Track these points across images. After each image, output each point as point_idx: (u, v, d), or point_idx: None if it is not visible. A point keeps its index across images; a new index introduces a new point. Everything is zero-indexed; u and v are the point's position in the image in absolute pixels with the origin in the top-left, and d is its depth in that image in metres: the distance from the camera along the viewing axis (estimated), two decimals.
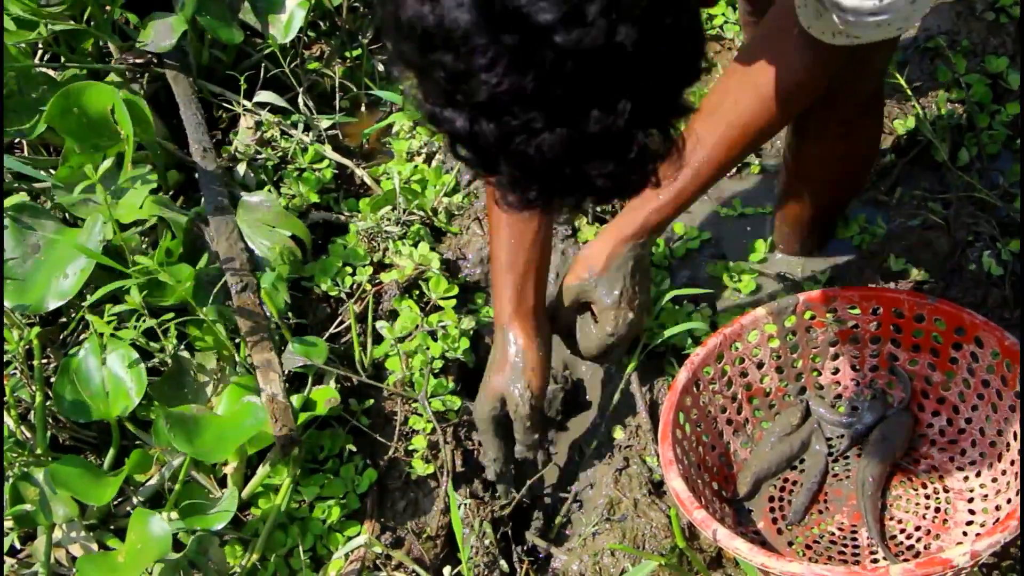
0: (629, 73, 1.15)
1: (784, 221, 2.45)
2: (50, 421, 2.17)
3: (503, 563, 2.09)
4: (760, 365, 2.13)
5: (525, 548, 2.13)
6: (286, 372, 2.17)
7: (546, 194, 1.25)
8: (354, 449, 2.22)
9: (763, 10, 1.99)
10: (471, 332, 2.35)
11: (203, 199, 2.44)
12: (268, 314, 2.23)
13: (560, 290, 2.09)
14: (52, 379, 2.14)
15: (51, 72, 2.51)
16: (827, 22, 1.66)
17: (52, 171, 2.40)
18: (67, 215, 2.36)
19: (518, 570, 2.10)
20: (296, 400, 2.16)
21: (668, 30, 1.16)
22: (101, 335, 2.11)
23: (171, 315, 2.15)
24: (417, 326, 2.33)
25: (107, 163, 2.15)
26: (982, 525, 1.92)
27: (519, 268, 2.03)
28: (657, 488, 2.12)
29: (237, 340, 2.24)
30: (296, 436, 2.09)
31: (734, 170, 2.61)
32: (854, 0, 1.51)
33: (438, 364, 2.29)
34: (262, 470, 2.15)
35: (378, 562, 2.10)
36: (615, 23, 1.11)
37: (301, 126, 2.68)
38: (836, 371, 2.16)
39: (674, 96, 1.23)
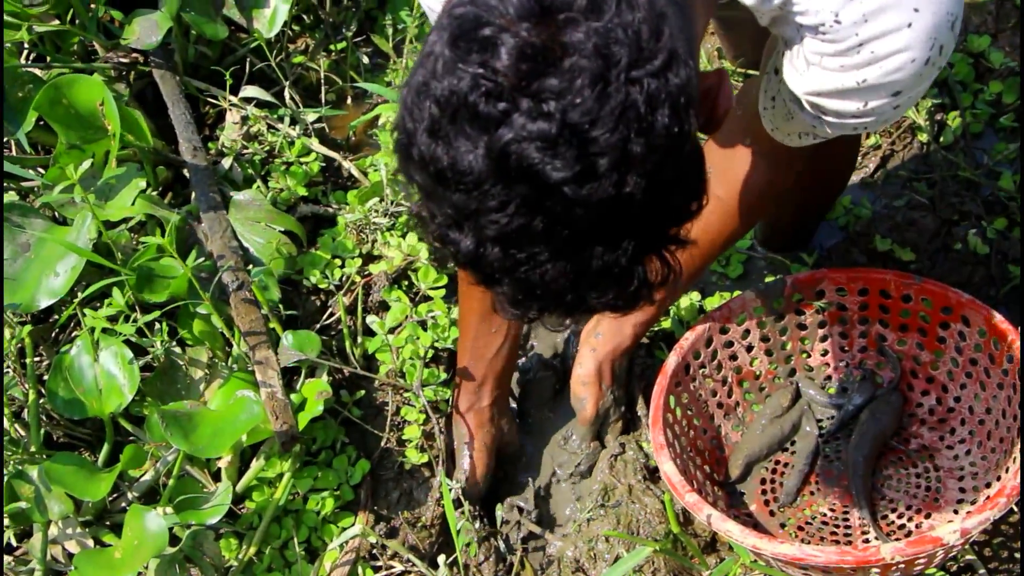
0: (634, 217, 1.17)
1: (766, 223, 2.46)
2: (44, 419, 2.17)
3: (498, 550, 2.10)
4: (749, 348, 2.14)
5: (520, 535, 2.14)
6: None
7: (545, 312, 1.27)
8: (347, 441, 2.23)
9: (746, 53, 1.98)
10: None
11: (194, 197, 2.44)
12: (264, 311, 2.24)
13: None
14: (45, 377, 2.14)
15: (37, 71, 2.51)
16: (797, 123, 1.66)
17: (42, 170, 2.40)
18: (56, 214, 2.36)
19: (513, 557, 2.11)
20: (296, 397, 2.16)
21: (674, 176, 1.18)
22: (93, 331, 2.11)
23: (160, 312, 2.16)
24: (407, 316, 2.34)
25: (87, 164, 2.15)
26: (973, 503, 1.93)
27: (477, 376, 2.15)
28: (652, 474, 2.13)
29: (229, 336, 2.24)
30: (296, 432, 2.10)
31: None
32: (838, 104, 1.50)
33: (429, 354, 2.30)
34: (256, 464, 2.16)
35: (374, 552, 2.11)
36: (624, 175, 1.13)
37: (287, 120, 2.68)
38: (825, 353, 2.17)
39: (676, 230, 1.25)
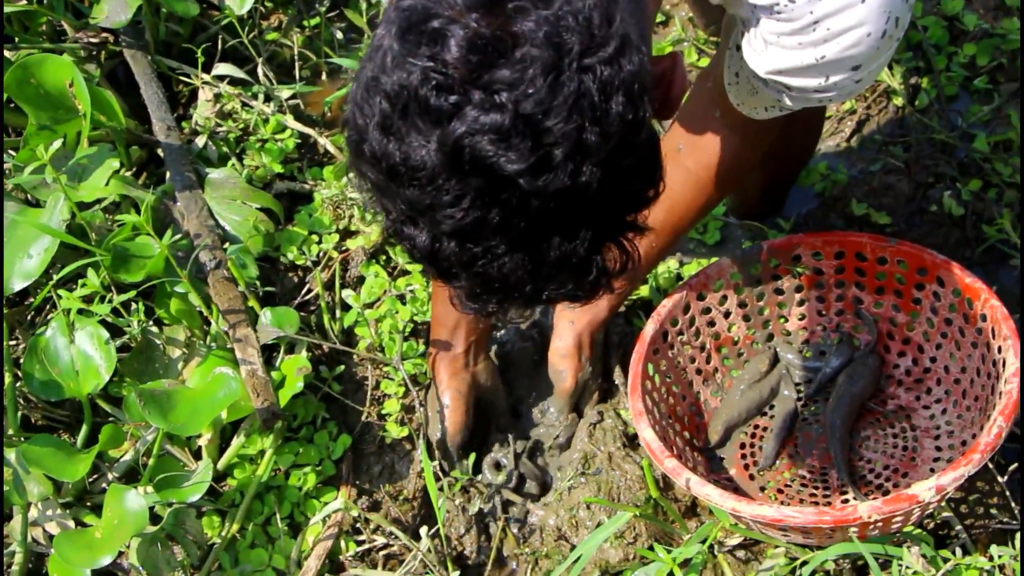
0: (591, 206, 1.16)
1: (736, 193, 2.46)
2: (21, 402, 2.16)
3: (480, 521, 2.10)
4: (727, 314, 2.15)
5: (502, 504, 2.14)
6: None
7: (504, 305, 1.27)
8: (327, 416, 2.23)
9: (717, 21, 1.96)
10: None
11: (168, 177, 2.43)
12: (242, 289, 2.23)
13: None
14: (21, 360, 2.14)
15: (5, 52, 2.49)
16: (762, 98, 1.66)
17: (12, 152, 2.38)
18: (28, 196, 2.35)
19: (495, 527, 2.11)
20: (275, 375, 2.16)
21: (630, 164, 1.18)
22: (68, 313, 2.10)
23: (136, 292, 2.15)
24: (385, 291, 2.34)
25: (57, 144, 2.13)
26: (948, 461, 1.94)
27: (449, 323, 2.09)
28: (631, 441, 2.13)
29: (207, 315, 2.24)
30: (278, 410, 2.10)
31: None
32: (800, 80, 1.51)
33: (408, 328, 2.30)
34: (237, 441, 2.15)
35: (356, 525, 2.11)
36: (580, 164, 1.12)
37: (261, 97, 2.66)
38: (802, 317, 2.18)
39: (633, 217, 1.25)
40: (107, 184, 2.29)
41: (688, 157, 1.91)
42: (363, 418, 2.21)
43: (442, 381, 2.12)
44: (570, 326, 2.12)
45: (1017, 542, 1.75)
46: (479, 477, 2.15)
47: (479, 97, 1.10)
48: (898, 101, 2.53)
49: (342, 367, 2.27)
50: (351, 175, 1.28)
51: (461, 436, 2.14)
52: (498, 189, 1.13)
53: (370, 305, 2.33)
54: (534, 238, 1.17)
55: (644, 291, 2.31)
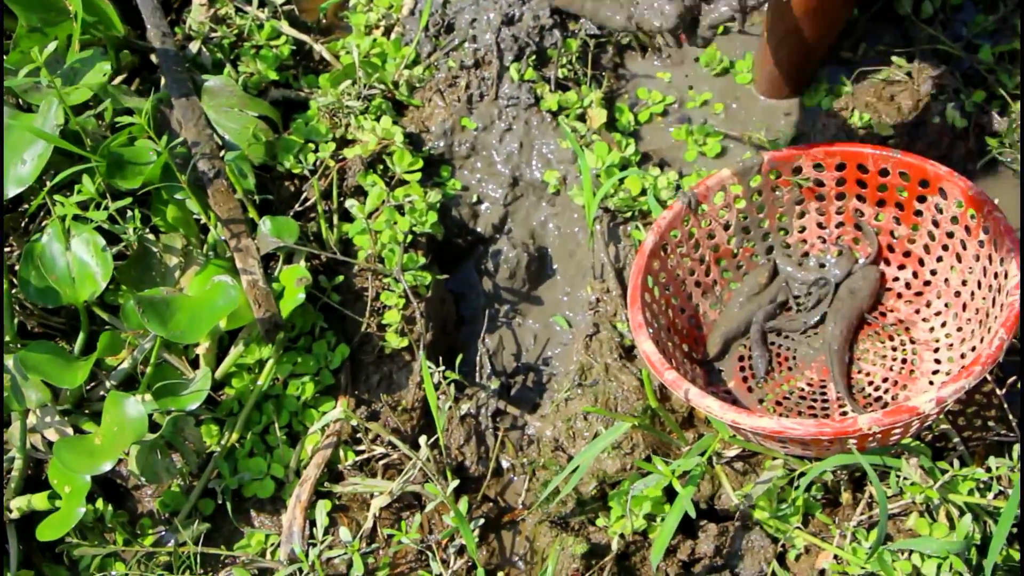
0: None
1: (766, 61, 2.42)
2: (17, 308, 2.15)
3: (478, 430, 2.11)
4: (727, 227, 2.13)
5: (500, 415, 2.15)
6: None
7: None
8: (325, 326, 2.23)
9: None
10: (438, 205, 2.33)
11: (163, 84, 2.39)
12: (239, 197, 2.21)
13: None
14: (16, 267, 2.12)
15: None
16: None
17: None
18: (20, 101, 2.30)
19: (493, 438, 2.12)
20: (275, 286, 2.15)
21: None
22: (63, 219, 2.08)
23: (131, 200, 2.13)
24: (383, 201, 2.32)
25: (52, 45, 2.08)
26: (947, 374, 1.95)
27: None
28: (628, 352, 2.13)
29: (204, 222, 2.22)
30: (280, 320, 2.09)
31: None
32: None
33: (408, 239, 2.28)
34: (235, 350, 2.15)
35: (356, 435, 2.12)
36: None
37: (256, 2, 2.61)
38: (803, 229, 2.17)
39: None
40: (100, 89, 2.25)
41: None
42: (363, 329, 2.20)
43: None
44: None
45: (1015, 453, 1.76)
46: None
47: None
48: (902, 11, 2.49)
49: (341, 277, 2.26)
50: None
51: None
52: None
53: (369, 215, 2.30)
54: None
55: (643, 203, 2.29)
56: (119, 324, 2.10)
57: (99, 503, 2.00)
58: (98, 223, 2.10)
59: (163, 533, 2.04)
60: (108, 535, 2.00)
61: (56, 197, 2.12)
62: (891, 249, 2.10)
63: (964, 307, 1.98)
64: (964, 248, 1.96)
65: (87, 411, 2.09)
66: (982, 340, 1.79)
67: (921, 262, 2.07)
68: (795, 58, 2.38)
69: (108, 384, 2.09)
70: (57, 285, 2.07)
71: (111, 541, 1.99)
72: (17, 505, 1.98)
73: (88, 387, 2.11)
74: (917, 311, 2.06)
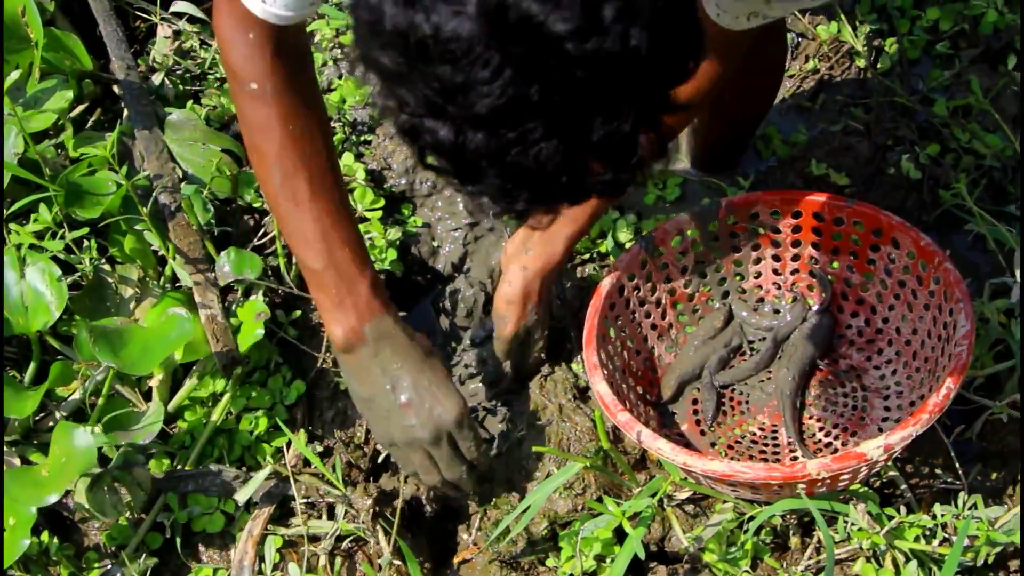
0: (637, 77, 1.07)
1: (696, 140, 2.45)
2: None
3: None
4: (684, 270, 2.15)
5: None
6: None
7: (536, 203, 1.16)
8: (281, 361, 2.22)
9: None
10: (398, 243, 2.34)
11: (126, 116, 2.39)
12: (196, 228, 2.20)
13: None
14: None
15: None
16: (744, 4, 1.61)
17: None
18: None
19: None
20: (233, 320, 2.14)
21: (676, 30, 1.10)
22: (19, 248, 2.07)
23: (88, 229, 2.12)
24: None
25: (15, 74, 2.08)
26: (897, 421, 1.96)
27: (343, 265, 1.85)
28: (582, 393, 2.14)
29: (162, 254, 2.21)
30: (237, 355, 2.08)
31: None
32: None
33: None
34: (189, 383, 2.14)
35: (313, 470, 2.11)
36: (629, 27, 1.03)
37: None
38: (758, 275, 2.19)
39: (672, 94, 1.15)
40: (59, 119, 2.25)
41: None
42: (318, 364, 2.20)
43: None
44: (521, 272, 2.03)
45: (960, 501, 1.78)
46: None
47: None
48: (861, 63, 2.53)
49: (298, 312, 2.26)
50: (357, 72, 1.13)
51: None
52: (542, 58, 1.02)
53: None
54: (575, 117, 1.06)
55: (603, 246, 2.31)
56: (71, 354, 2.09)
57: (44, 535, 1.97)
58: (54, 252, 2.09)
59: (109, 567, 2.01)
60: (52, 568, 1.97)
61: (12, 226, 2.11)
62: (844, 297, 2.13)
63: (914, 355, 2.00)
64: (915, 297, 1.99)
65: (35, 441, 2.06)
66: (931, 389, 1.81)
67: (873, 310, 2.09)
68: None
69: (58, 415, 2.07)
70: (9, 314, 2.05)
71: (55, 575, 1.97)
72: None
73: (37, 417, 2.09)
74: (868, 358, 2.09)
